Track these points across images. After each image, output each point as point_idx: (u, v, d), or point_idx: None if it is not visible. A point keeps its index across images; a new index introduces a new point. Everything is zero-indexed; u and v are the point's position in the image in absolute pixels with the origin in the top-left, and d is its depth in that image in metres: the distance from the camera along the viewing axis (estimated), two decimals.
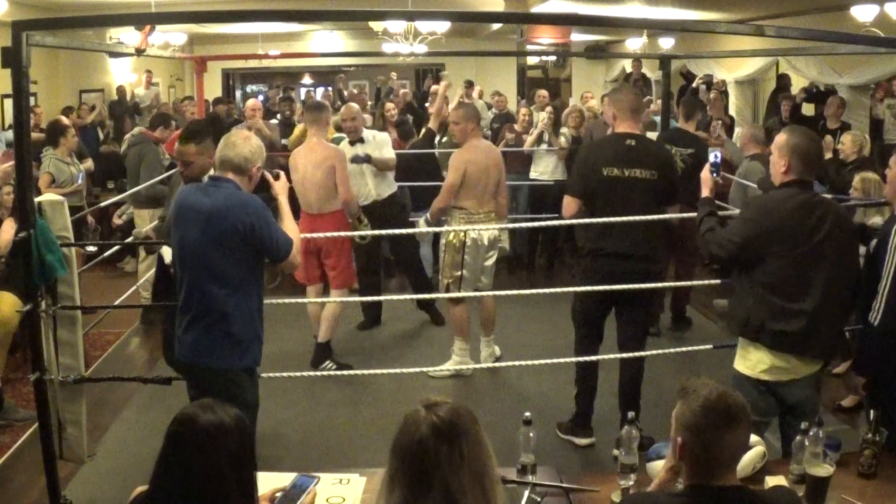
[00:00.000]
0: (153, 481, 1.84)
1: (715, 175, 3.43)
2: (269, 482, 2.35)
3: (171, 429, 1.84)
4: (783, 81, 10.54)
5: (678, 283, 5.71)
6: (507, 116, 9.40)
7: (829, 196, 3.42)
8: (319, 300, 5.25)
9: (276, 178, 3.35)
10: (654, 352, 4.32)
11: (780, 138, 3.15)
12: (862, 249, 3.28)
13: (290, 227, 3.26)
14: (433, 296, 4.87)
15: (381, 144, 5.86)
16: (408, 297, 5.26)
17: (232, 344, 3.09)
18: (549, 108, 7.90)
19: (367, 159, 5.65)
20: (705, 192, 3.41)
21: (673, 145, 5.70)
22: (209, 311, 3.06)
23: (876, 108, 8.98)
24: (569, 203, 4.21)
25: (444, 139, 7.55)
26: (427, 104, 10.17)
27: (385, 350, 5.56)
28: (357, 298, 5.58)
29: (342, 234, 4.93)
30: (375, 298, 5.50)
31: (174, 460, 1.80)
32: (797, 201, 3.02)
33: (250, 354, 3.17)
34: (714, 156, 3.51)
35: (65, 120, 7.20)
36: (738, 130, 9.34)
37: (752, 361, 3.10)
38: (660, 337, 6.18)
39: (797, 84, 10.72)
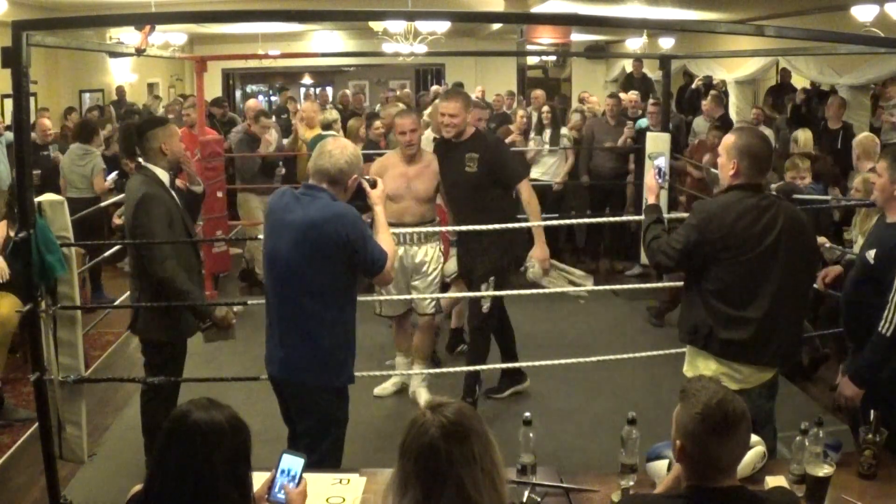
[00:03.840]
0: (148, 479, 1.84)
1: (660, 181, 3.27)
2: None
3: (165, 427, 1.84)
4: (784, 79, 10.54)
5: (676, 283, 5.71)
6: (503, 117, 9.39)
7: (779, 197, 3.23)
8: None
9: (374, 185, 3.15)
10: (656, 352, 4.31)
11: (728, 139, 3.00)
12: (870, 254, 3.12)
13: (385, 239, 3.08)
14: (443, 296, 4.76)
15: None
16: (406, 297, 5.24)
17: (326, 361, 2.99)
18: (545, 108, 7.90)
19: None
20: (651, 199, 3.24)
21: None
22: (302, 326, 2.96)
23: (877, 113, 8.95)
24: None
25: None
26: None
27: (385, 350, 5.55)
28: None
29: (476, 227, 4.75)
30: (386, 298, 5.33)
31: (168, 458, 1.81)
32: (744, 206, 2.90)
33: (345, 372, 3.06)
34: (659, 162, 3.34)
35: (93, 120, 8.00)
36: None
37: (700, 370, 2.97)
38: (663, 328, 6.18)
39: (797, 84, 10.73)
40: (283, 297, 3.00)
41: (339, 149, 3.00)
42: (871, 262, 3.07)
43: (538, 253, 4.50)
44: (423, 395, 4.75)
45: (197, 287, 3.85)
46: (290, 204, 2.99)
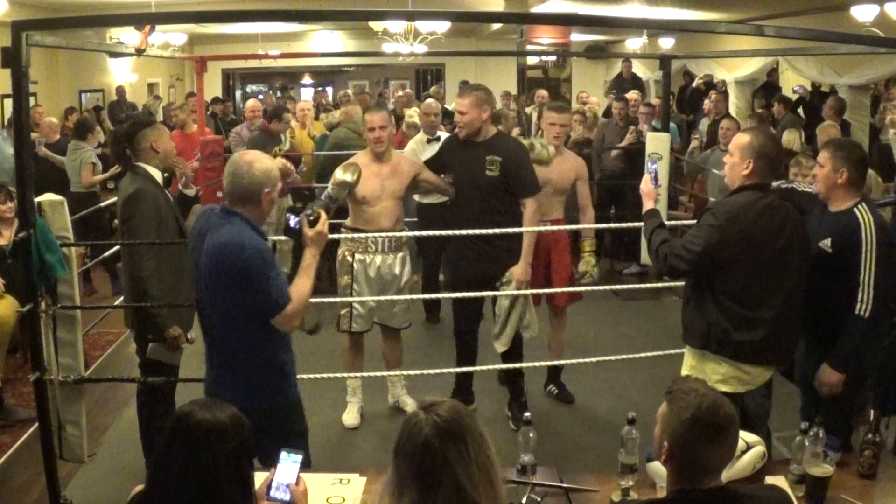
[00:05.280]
0: (150, 479, 1.85)
1: (655, 186, 3.25)
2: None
3: (168, 426, 1.85)
4: (772, 79, 10.56)
5: (677, 283, 5.71)
6: (497, 116, 9.36)
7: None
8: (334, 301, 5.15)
9: (314, 223, 2.87)
10: (656, 352, 4.31)
11: (743, 139, 3.00)
12: (825, 243, 3.14)
13: (301, 284, 2.83)
14: (451, 295, 4.69)
15: None
16: (407, 297, 5.22)
17: (255, 385, 2.84)
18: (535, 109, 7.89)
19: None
20: (649, 205, 3.20)
21: None
22: (227, 350, 2.86)
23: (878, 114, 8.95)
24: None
25: None
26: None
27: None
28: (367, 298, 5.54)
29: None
30: (373, 298, 5.36)
31: (171, 458, 1.81)
32: (760, 206, 2.92)
33: (282, 392, 2.92)
34: (654, 166, 3.34)
35: (91, 120, 8.25)
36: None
37: (708, 373, 2.95)
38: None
39: (793, 83, 10.74)
40: (209, 322, 2.90)
41: (246, 164, 2.77)
42: (829, 250, 3.08)
43: (519, 272, 4.33)
44: (408, 402, 4.72)
45: (182, 291, 3.74)
46: (204, 228, 2.82)
